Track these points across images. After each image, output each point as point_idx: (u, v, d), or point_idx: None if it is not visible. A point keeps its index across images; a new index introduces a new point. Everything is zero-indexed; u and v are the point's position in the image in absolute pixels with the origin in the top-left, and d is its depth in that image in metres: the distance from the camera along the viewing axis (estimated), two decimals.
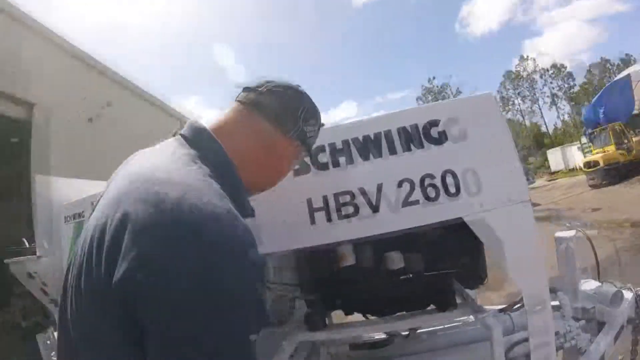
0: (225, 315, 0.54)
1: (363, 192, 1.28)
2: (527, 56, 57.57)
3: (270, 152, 0.89)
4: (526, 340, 1.36)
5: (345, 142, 1.31)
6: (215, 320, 0.53)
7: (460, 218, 1.24)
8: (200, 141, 0.79)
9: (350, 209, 1.28)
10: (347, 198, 1.29)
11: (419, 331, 1.84)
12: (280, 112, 0.88)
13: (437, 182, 1.26)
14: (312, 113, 0.94)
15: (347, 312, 1.76)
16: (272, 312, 2.18)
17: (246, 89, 0.90)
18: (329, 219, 1.29)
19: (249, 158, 0.85)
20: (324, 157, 1.32)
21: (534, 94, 56.71)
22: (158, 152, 0.79)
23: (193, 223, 0.56)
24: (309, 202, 1.31)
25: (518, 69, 57.80)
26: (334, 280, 1.57)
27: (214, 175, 0.70)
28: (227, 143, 0.81)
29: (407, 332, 1.83)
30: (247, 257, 0.58)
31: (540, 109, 56.43)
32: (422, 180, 1.27)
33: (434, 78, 61.55)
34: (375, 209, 1.27)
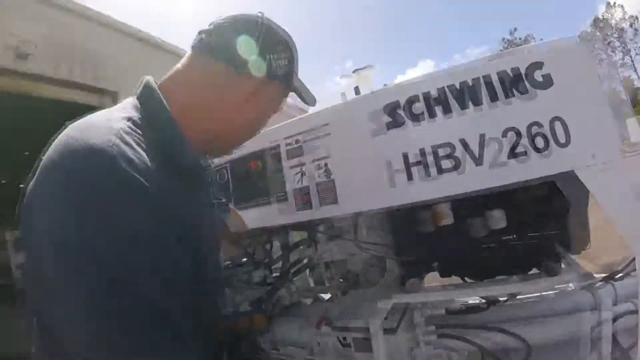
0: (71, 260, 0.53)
1: (464, 144, 1.21)
2: (614, 2, 51.20)
3: (225, 95, 0.79)
4: (633, 312, 1.26)
5: (441, 91, 1.24)
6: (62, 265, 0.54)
7: (572, 171, 1.14)
8: (142, 95, 0.76)
9: (451, 163, 1.22)
10: (447, 151, 1.22)
11: (518, 297, 1.76)
12: (228, 48, 0.76)
13: (546, 130, 1.15)
14: (272, 41, 0.80)
15: (444, 275, 1.71)
16: (363, 272, 2.24)
17: (199, 33, 0.81)
18: (428, 174, 1.24)
19: (202, 106, 0.78)
20: (418, 108, 1.25)
21: (625, 44, 50.55)
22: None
23: (55, 155, 0.59)
24: (405, 156, 1.26)
25: (605, 16, 51.69)
26: (430, 240, 1.53)
27: (140, 123, 0.68)
28: (177, 93, 0.77)
29: (505, 298, 1.75)
30: (73, 191, 0.55)
31: (632, 61, 50.31)
32: (528, 129, 1.17)
33: (515, 29, 57.39)
34: (478, 162, 1.19)
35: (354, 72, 1.88)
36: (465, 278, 1.66)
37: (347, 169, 1.38)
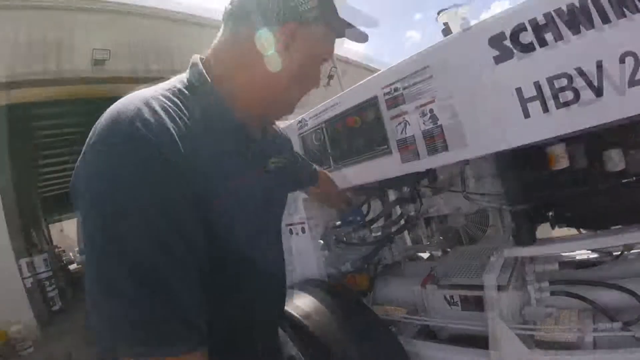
0: (97, 218, 0.54)
1: (581, 73, 1.06)
2: None
3: (259, 52, 0.73)
4: None
5: (548, 16, 1.09)
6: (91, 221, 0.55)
7: None
8: (189, 71, 0.75)
9: (570, 95, 1.08)
10: (564, 82, 1.08)
11: (633, 251, 1.58)
12: (252, 8, 0.72)
13: None
14: None
15: (558, 224, 1.57)
16: (464, 228, 2.14)
17: (226, 5, 0.77)
18: (546, 109, 1.11)
19: (243, 70, 0.75)
20: (526, 37, 1.11)
21: None
22: None
23: (102, 123, 0.59)
24: (519, 91, 1.14)
25: None
26: (543, 187, 1.40)
27: (183, 93, 0.69)
28: (218, 65, 0.76)
29: (619, 252, 1.59)
30: (129, 156, 0.55)
31: None
32: None
33: None
34: (598, 92, 1.05)
35: (439, 13, 1.75)
36: (580, 229, 1.51)
37: (457, 110, 1.27)
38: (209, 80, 0.73)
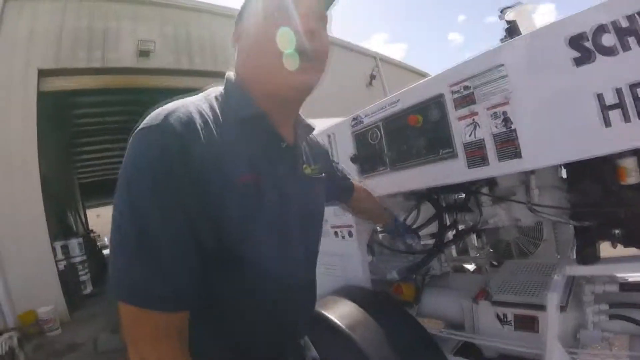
0: (131, 180, 0.65)
1: None
2: None
3: (245, 39, 0.83)
4: None
5: (631, 18, 1.00)
6: (119, 188, 0.66)
7: None
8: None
9: None
10: None
11: None
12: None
13: None
14: None
15: (627, 243, 1.40)
16: (517, 241, 2.01)
17: None
18: (627, 118, 1.01)
19: (245, 62, 0.83)
20: (609, 40, 1.02)
21: None
22: None
23: (148, 116, 0.70)
24: (599, 98, 1.04)
25: None
26: (612, 203, 1.28)
27: (218, 97, 0.80)
28: (237, 69, 0.86)
29: None
30: (156, 140, 0.65)
31: None
32: None
33: None
34: None
35: (501, 10, 1.64)
36: None
37: (533, 114, 1.16)
38: (236, 83, 0.84)
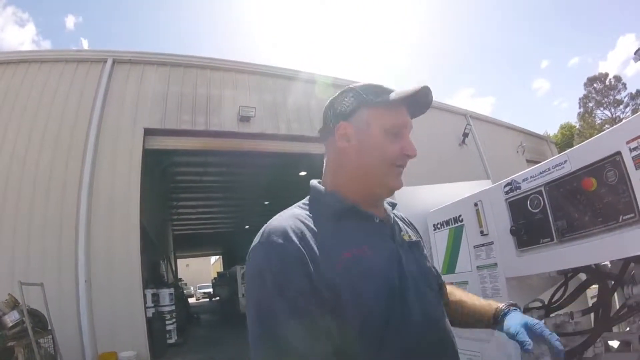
0: (249, 287, 0.81)
1: None
2: None
3: (336, 150, 0.95)
4: None
5: None
6: (247, 291, 0.82)
7: None
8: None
9: None
10: None
11: None
12: (322, 127, 1.00)
13: None
14: (338, 96, 0.98)
15: None
16: None
17: None
18: None
19: (336, 168, 0.96)
20: None
21: None
22: None
23: (260, 233, 0.84)
24: None
25: None
26: None
27: (307, 204, 0.93)
28: (325, 178, 0.99)
29: None
30: (272, 254, 0.78)
31: None
32: None
33: None
34: None
35: (636, 52, 1.46)
36: None
37: None
38: (322, 188, 0.96)
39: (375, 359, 0.79)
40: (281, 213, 0.90)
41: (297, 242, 0.79)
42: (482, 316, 1.07)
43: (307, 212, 0.89)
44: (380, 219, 0.94)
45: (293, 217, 0.86)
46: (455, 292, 1.16)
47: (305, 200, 0.96)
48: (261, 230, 0.85)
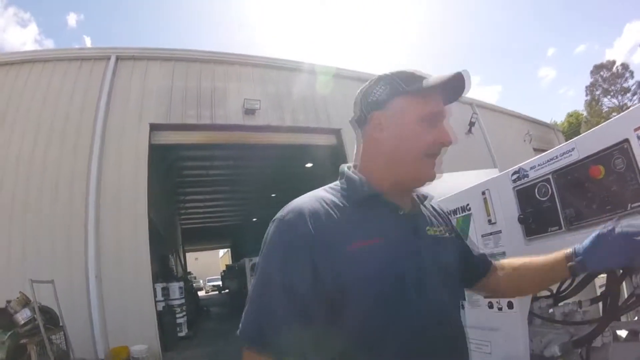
0: (261, 254, 0.86)
1: None
2: None
3: (374, 143, 0.95)
4: None
5: None
6: (259, 256, 0.87)
7: None
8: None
9: None
10: None
11: None
12: (354, 117, 1.01)
13: None
14: (370, 85, 0.97)
15: None
16: None
17: None
18: None
19: (370, 156, 0.96)
20: None
21: None
22: None
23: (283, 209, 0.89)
24: None
25: None
26: None
27: (333, 188, 0.95)
28: (356, 164, 1.00)
29: None
30: (282, 230, 0.84)
31: None
32: None
33: None
34: None
35: None
36: None
37: None
38: (351, 173, 0.96)
39: (372, 352, 0.82)
40: (307, 194, 0.93)
41: (310, 224, 0.82)
42: (554, 266, 1.04)
43: (331, 196, 0.91)
44: (405, 211, 0.93)
45: (315, 198, 0.88)
46: (514, 261, 1.14)
47: (334, 183, 0.98)
48: (284, 207, 0.89)
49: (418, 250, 0.89)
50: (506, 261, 1.16)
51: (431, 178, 0.94)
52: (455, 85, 0.92)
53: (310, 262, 0.80)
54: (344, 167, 1.00)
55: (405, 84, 0.91)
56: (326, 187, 0.96)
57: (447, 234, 1.02)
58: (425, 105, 0.91)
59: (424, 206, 1.05)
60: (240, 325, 0.82)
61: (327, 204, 0.87)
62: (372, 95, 0.95)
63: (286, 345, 0.77)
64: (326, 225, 0.83)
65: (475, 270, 1.13)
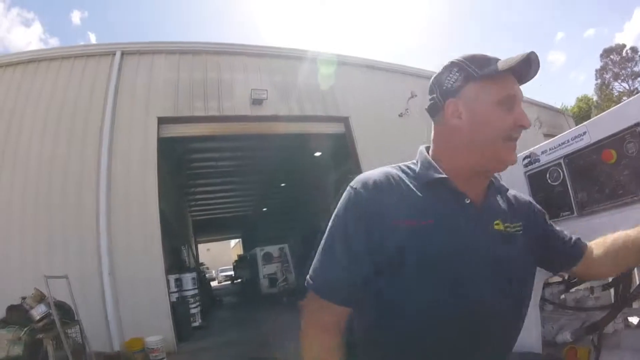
0: (333, 214, 0.95)
1: None
2: None
3: (451, 130, 0.94)
4: None
5: None
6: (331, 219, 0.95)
7: None
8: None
9: None
10: None
11: None
12: (429, 105, 0.99)
13: None
14: (443, 71, 0.96)
15: None
16: None
17: None
18: None
19: (449, 147, 0.96)
20: None
21: None
22: None
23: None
24: None
25: None
26: None
27: (406, 165, 0.99)
28: (433, 147, 1.01)
29: None
30: (349, 197, 0.93)
31: None
32: None
33: None
34: None
35: None
36: None
37: None
38: (425, 154, 0.99)
39: (399, 335, 0.89)
40: (379, 168, 0.99)
41: (374, 194, 0.90)
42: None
43: (400, 173, 0.96)
44: (472, 201, 0.92)
45: (383, 173, 0.94)
46: (604, 240, 1.08)
47: (409, 162, 1.02)
48: (358, 177, 0.97)
49: (472, 241, 0.88)
50: (600, 240, 1.10)
51: (513, 161, 0.93)
52: (527, 66, 0.91)
53: (364, 227, 0.87)
54: (422, 148, 1.03)
55: (478, 68, 0.90)
56: (401, 164, 1.01)
57: (520, 231, 0.98)
58: (501, 89, 0.90)
59: (502, 198, 1.02)
60: (310, 271, 0.95)
61: (393, 179, 0.92)
62: (446, 82, 0.94)
63: (339, 290, 0.89)
64: (383, 198, 0.89)
65: (565, 258, 1.07)
